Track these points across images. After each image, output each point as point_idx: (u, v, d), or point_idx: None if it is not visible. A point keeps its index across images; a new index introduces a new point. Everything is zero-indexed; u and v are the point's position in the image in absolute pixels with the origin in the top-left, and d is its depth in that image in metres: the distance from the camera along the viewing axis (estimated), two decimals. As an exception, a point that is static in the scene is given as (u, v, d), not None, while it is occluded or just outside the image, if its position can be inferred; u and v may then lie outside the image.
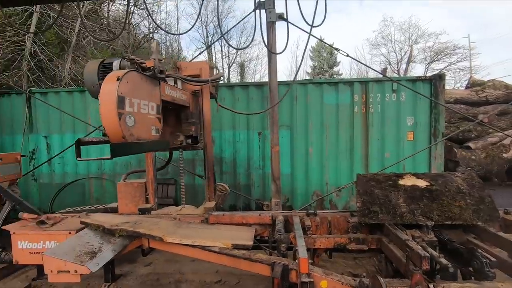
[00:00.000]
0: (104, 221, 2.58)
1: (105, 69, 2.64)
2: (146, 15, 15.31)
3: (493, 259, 1.79)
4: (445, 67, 19.15)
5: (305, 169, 5.09)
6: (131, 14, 15.36)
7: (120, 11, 15.06)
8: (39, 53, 9.20)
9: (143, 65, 2.14)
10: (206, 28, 20.38)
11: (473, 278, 1.92)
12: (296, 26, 3.96)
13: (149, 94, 2.20)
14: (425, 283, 1.71)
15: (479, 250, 1.88)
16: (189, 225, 2.72)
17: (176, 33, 15.58)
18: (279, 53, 3.94)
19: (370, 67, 5.09)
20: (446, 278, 1.79)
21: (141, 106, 2.08)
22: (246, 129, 5.22)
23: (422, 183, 2.42)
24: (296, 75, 6.23)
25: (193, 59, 10.82)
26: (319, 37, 3.78)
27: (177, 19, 21.09)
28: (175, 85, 2.84)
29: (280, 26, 4.28)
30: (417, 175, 2.54)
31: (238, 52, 21.80)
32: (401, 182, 2.47)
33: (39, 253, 2.52)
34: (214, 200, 3.25)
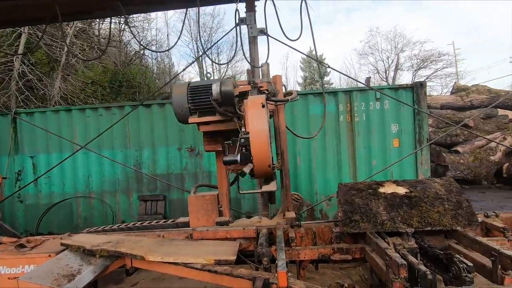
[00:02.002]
0: (85, 242, 2.54)
1: (194, 93, 2.54)
2: (137, 32, 15.53)
3: (470, 264, 1.79)
4: (432, 73, 19.64)
5: (294, 179, 5.09)
6: (121, 32, 15.60)
7: (112, 29, 15.25)
8: (27, 73, 9.21)
9: (262, 88, 2.15)
10: (196, 43, 20.69)
11: (454, 284, 1.92)
12: (278, 40, 4.05)
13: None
14: (405, 292, 1.70)
15: (457, 256, 1.89)
16: (173, 242, 2.68)
17: (166, 49, 15.76)
18: (260, 67, 4.00)
19: (351, 77, 5.23)
20: (425, 285, 1.79)
21: None
22: (234, 142, 5.24)
23: (401, 190, 2.44)
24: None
25: (183, 70, 11.02)
26: (308, 48, 3.86)
27: (167, 35, 21.38)
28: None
29: (263, 39, 4.37)
30: (397, 183, 2.57)
31: (229, 66, 22.09)
32: (381, 190, 2.48)
33: (18, 278, 2.45)
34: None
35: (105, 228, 3.15)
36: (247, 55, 4.25)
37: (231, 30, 4.12)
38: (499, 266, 1.81)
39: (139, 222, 3.22)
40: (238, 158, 1.99)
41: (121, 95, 13.08)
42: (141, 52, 16.79)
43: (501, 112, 9.98)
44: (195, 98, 2.53)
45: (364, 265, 2.67)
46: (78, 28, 11.65)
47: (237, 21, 4.03)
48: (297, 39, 3.89)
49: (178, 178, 5.28)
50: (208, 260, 2.27)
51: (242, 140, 1.96)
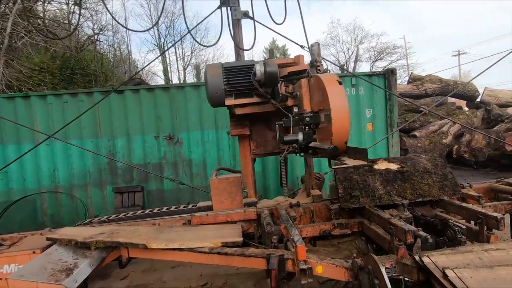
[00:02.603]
0: (76, 235, 2.34)
1: (229, 74, 2.43)
2: (90, 15, 14.22)
3: (463, 226, 2.01)
4: (387, 65, 21.01)
5: (276, 165, 5.16)
6: (71, 14, 14.14)
7: (57, 10, 13.76)
8: (-38, 56, 7.99)
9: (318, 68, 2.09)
10: (158, 29, 19.65)
11: (446, 246, 2.13)
12: (262, 24, 4.01)
13: None
14: (409, 256, 1.85)
15: (450, 220, 2.10)
16: (172, 229, 2.58)
17: (132, 32, 14.71)
18: (247, 50, 3.96)
19: (331, 62, 5.37)
20: (426, 248, 1.96)
21: None
22: (214, 129, 5.13)
23: (394, 166, 2.62)
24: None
25: (149, 63, 10.35)
26: (271, 38, 3.89)
27: (125, 19, 19.86)
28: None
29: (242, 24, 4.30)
30: (389, 160, 2.75)
31: (193, 54, 21.40)
32: (376, 166, 2.64)
33: (5, 277, 2.18)
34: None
35: (113, 217, 2.92)
36: (222, 39, 4.15)
37: (214, 11, 3.98)
38: (485, 227, 2.05)
39: (157, 208, 3.03)
40: (301, 137, 1.97)
41: (74, 83, 11.97)
42: (95, 37, 15.47)
43: (449, 100, 11.08)
44: (231, 79, 2.46)
45: (359, 238, 2.83)
46: (20, 7, 10.30)
47: (221, 3, 3.90)
48: (282, 23, 3.89)
49: (156, 168, 5.05)
50: (215, 243, 2.23)
51: (307, 119, 1.93)
